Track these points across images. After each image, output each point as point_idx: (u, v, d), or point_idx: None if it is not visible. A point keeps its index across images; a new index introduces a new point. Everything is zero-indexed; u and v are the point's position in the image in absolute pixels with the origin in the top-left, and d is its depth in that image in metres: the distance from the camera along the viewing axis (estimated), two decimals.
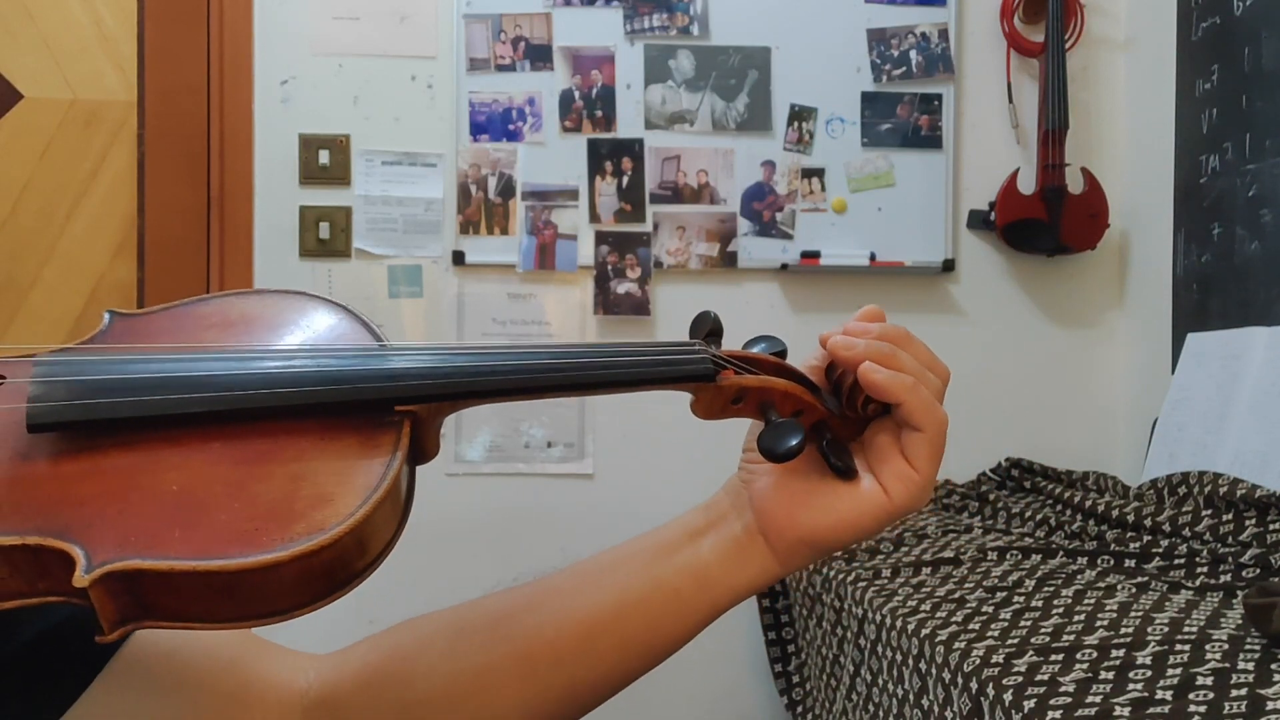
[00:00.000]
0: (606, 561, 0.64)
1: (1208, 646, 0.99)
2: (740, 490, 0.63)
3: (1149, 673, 0.95)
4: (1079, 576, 1.37)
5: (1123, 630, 1.08)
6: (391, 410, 0.52)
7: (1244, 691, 0.88)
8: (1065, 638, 1.09)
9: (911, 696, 1.24)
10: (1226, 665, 0.94)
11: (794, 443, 0.55)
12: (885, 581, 1.49)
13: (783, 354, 0.62)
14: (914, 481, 0.58)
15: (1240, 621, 1.08)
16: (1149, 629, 1.07)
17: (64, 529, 0.45)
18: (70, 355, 0.52)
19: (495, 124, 2.19)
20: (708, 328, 0.62)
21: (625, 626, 0.61)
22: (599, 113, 2.20)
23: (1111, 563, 1.44)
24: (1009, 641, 1.10)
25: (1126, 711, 0.88)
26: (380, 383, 0.53)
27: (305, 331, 0.58)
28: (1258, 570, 1.28)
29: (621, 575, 0.62)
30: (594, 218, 2.20)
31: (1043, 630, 1.13)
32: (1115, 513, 1.55)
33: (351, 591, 0.49)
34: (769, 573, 0.61)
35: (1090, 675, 0.96)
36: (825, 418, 0.60)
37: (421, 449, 0.55)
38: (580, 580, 0.63)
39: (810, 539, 0.60)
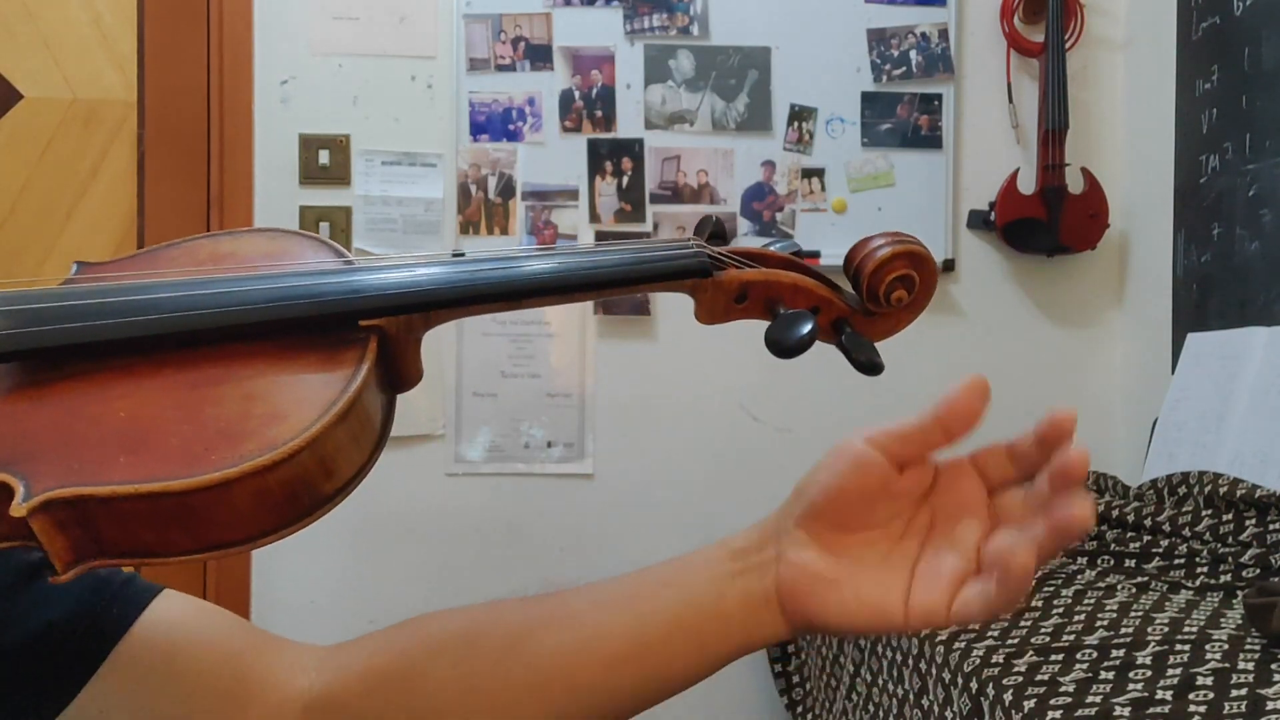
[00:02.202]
0: (628, 590, 0.61)
1: (1208, 646, 0.99)
2: (771, 552, 0.58)
3: (1149, 673, 0.95)
4: (1079, 576, 1.37)
5: (1123, 630, 1.08)
6: (355, 326, 0.49)
7: (1244, 691, 0.88)
8: (1065, 638, 1.09)
9: (911, 696, 1.24)
10: (1226, 665, 0.94)
11: (804, 331, 0.50)
12: None
13: (799, 254, 0.57)
14: (940, 619, 0.53)
15: (1240, 621, 1.08)
16: (1149, 629, 1.07)
17: (8, 462, 0.43)
18: (17, 292, 0.51)
19: (495, 124, 2.19)
20: (709, 230, 0.57)
21: (645, 663, 0.59)
22: (599, 113, 2.20)
23: (1111, 563, 1.44)
24: (1009, 641, 1.10)
25: (1126, 711, 0.88)
26: (339, 296, 0.49)
27: (272, 261, 0.55)
28: (1258, 570, 1.28)
29: (644, 609, 0.60)
30: (594, 218, 2.20)
31: (1043, 630, 1.13)
32: (1115, 513, 1.55)
33: (321, 518, 0.46)
34: (780, 636, 0.59)
35: (1090, 675, 0.96)
36: (846, 314, 0.55)
37: (397, 371, 0.51)
38: (601, 609, 0.61)
39: (821, 626, 0.57)
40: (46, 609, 0.60)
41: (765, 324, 0.54)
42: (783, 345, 0.51)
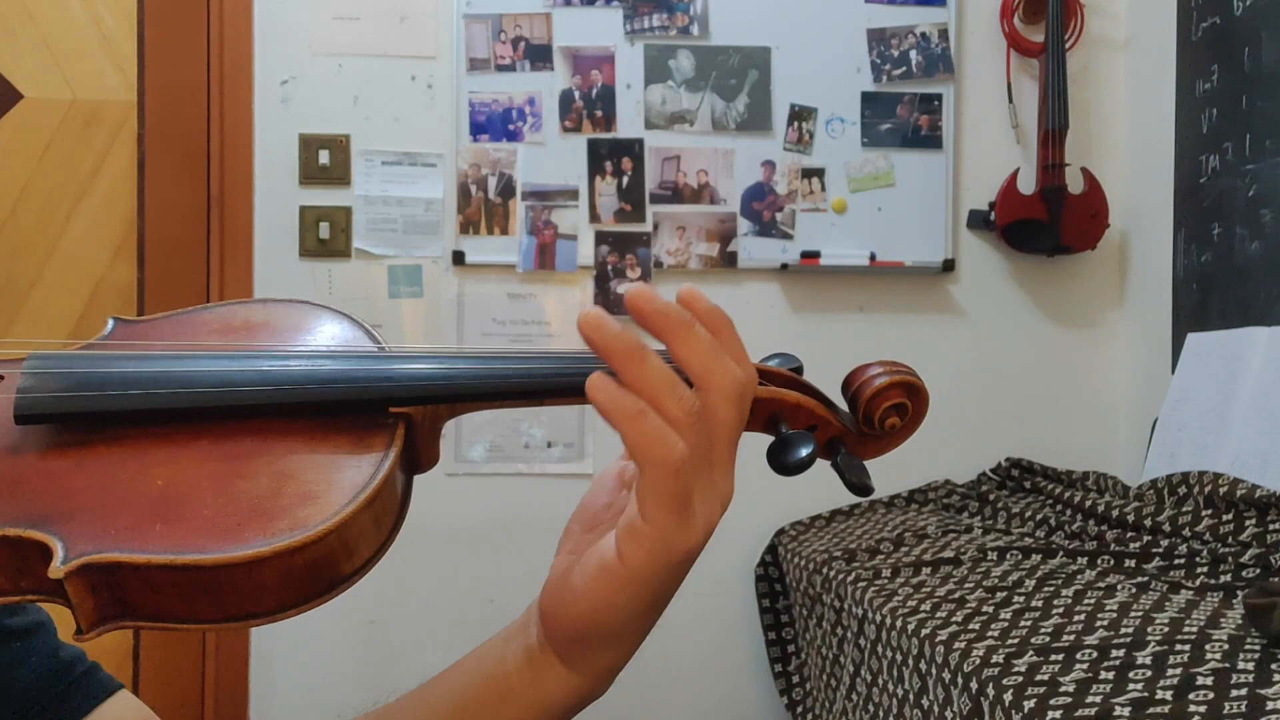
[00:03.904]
0: (440, 674, 0.59)
1: (1208, 646, 0.99)
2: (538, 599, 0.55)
3: (1149, 673, 0.95)
4: (1079, 576, 1.37)
5: (1123, 630, 1.08)
6: (385, 412, 0.51)
7: (1244, 691, 0.88)
8: (1065, 638, 1.09)
9: (911, 696, 1.25)
10: (1226, 665, 0.94)
11: (804, 453, 0.52)
12: (885, 581, 1.49)
13: (798, 370, 0.59)
14: (644, 536, 0.47)
15: (1240, 621, 1.08)
16: (1149, 629, 1.07)
17: (44, 521, 0.44)
18: (66, 353, 0.52)
19: (495, 124, 2.19)
20: None
21: None
22: (599, 113, 2.20)
23: (1111, 563, 1.44)
24: (1009, 641, 1.10)
25: (1126, 711, 0.88)
26: (374, 383, 0.52)
27: (305, 337, 0.58)
28: (1258, 570, 1.28)
29: (442, 689, 0.57)
30: (594, 218, 2.20)
31: (1043, 630, 1.13)
32: (1115, 513, 1.55)
33: (338, 597, 0.48)
34: (569, 684, 0.53)
35: (1090, 675, 0.96)
36: (841, 434, 0.57)
37: (418, 455, 0.54)
38: (415, 702, 0.58)
39: (575, 633, 0.51)
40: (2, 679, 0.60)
41: (763, 436, 0.57)
42: (785, 465, 0.52)
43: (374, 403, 0.51)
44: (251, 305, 0.60)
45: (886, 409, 0.56)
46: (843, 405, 0.59)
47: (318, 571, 0.46)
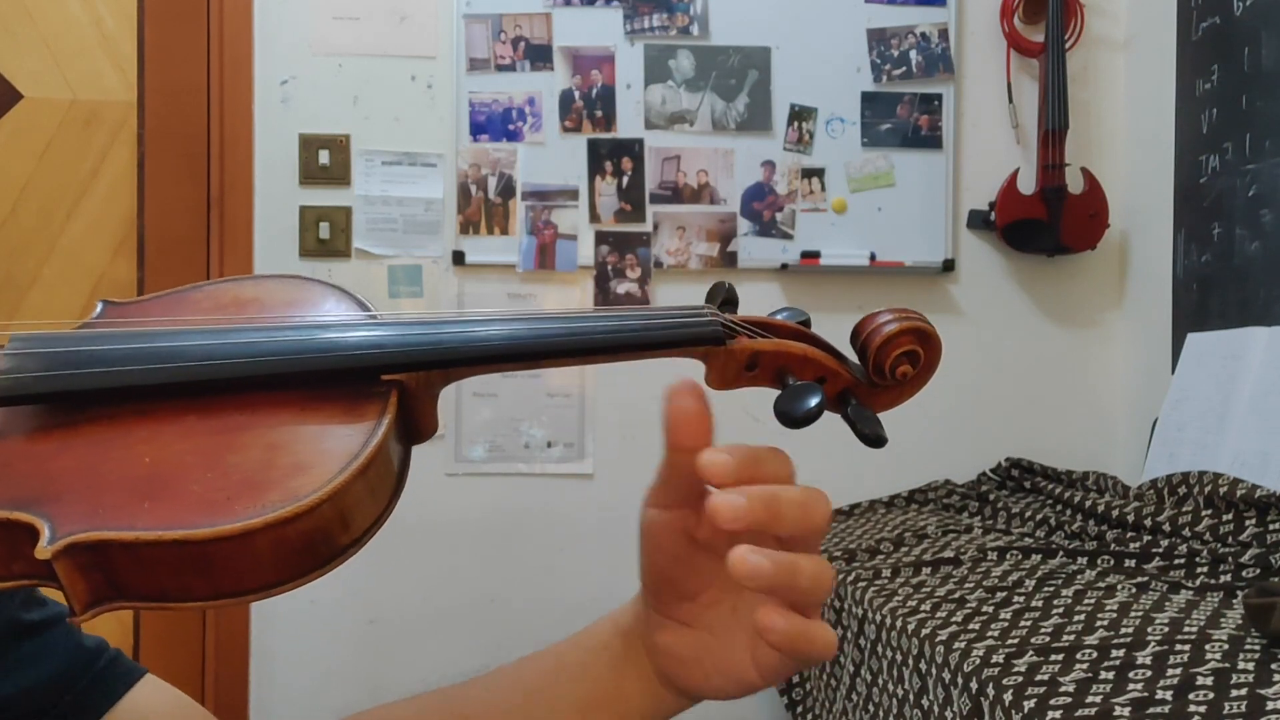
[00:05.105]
0: (529, 685, 0.60)
1: (1208, 646, 0.99)
2: (637, 634, 0.58)
3: (1149, 673, 0.95)
4: (1079, 576, 1.37)
5: (1123, 630, 1.08)
6: (377, 379, 0.50)
7: (1244, 691, 0.88)
8: (1065, 638, 1.09)
9: (911, 696, 1.25)
10: (1226, 665, 0.94)
11: (812, 404, 0.50)
12: (885, 581, 1.49)
13: (805, 323, 0.58)
14: (786, 667, 0.53)
15: (1240, 621, 1.08)
16: (1149, 629, 1.07)
17: (32, 502, 0.44)
18: (49, 334, 0.51)
19: (495, 124, 2.19)
20: (721, 297, 0.58)
21: None
22: (599, 113, 2.20)
23: (1111, 563, 1.44)
24: (1009, 641, 1.10)
25: (1126, 711, 0.88)
26: (364, 350, 0.51)
27: (297, 310, 0.57)
28: (1258, 570, 1.28)
29: (549, 705, 0.59)
30: (594, 218, 2.20)
31: (1043, 630, 1.13)
32: (1115, 513, 1.55)
33: (335, 569, 0.47)
34: (682, 708, 0.59)
35: (1090, 675, 0.96)
36: (851, 385, 0.56)
37: (414, 424, 0.53)
38: (509, 701, 0.60)
39: (706, 698, 0.57)
40: (27, 673, 0.61)
41: (772, 391, 0.55)
42: (791, 417, 0.51)
43: (365, 371, 0.50)
44: (242, 282, 0.59)
45: (897, 357, 0.54)
46: (853, 358, 0.57)
47: (313, 543, 0.45)
